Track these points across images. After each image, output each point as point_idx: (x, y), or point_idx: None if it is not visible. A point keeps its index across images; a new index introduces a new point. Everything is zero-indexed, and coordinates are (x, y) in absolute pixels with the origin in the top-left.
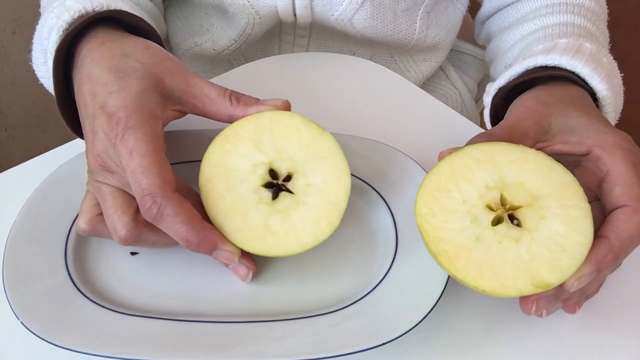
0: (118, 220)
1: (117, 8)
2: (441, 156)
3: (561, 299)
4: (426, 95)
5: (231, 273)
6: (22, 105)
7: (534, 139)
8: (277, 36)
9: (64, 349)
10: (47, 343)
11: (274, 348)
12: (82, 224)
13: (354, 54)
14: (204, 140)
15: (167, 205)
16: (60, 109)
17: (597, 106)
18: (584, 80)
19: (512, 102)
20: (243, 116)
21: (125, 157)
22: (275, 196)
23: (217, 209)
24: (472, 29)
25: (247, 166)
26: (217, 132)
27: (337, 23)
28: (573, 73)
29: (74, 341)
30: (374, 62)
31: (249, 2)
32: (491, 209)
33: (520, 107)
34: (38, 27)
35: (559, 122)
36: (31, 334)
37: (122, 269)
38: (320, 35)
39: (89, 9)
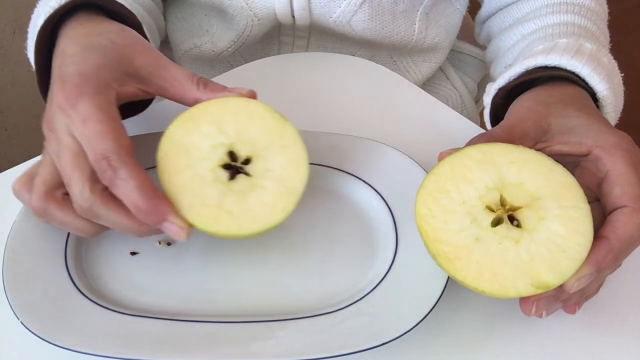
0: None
1: None
2: (441, 157)
3: (561, 299)
4: (426, 96)
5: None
6: (22, 105)
7: (534, 139)
8: (276, 37)
9: (64, 349)
10: (47, 343)
11: (274, 348)
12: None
13: (353, 55)
14: None
15: (122, 167)
16: (43, 95)
17: (597, 106)
18: (584, 81)
19: (512, 102)
20: None
21: (79, 125)
22: (232, 177)
23: (172, 184)
24: (471, 29)
25: (207, 146)
26: None
27: (335, 25)
28: (573, 73)
29: (74, 341)
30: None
31: (247, 4)
32: (491, 209)
33: (520, 108)
34: (32, 17)
35: (558, 123)
36: (31, 334)
37: (121, 269)
38: (320, 36)
39: None
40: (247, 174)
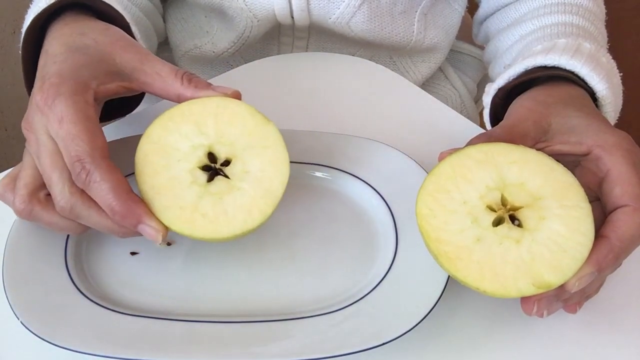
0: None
1: None
2: (441, 157)
3: (562, 299)
4: (426, 96)
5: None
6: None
7: (534, 139)
8: (276, 38)
9: (64, 349)
10: (47, 343)
11: (274, 348)
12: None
13: (353, 55)
14: None
15: (95, 170)
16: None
17: (597, 106)
18: (583, 80)
19: (511, 102)
20: (192, 97)
21: (55, 126)
22: (210, 179)
23: (149, 186)
24: (471, 29)
25: (186, 147)
26: None
27: (335, 25)
28: (572, 73)
29: (74, 341)
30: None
31: (246, 5)
32: (492, 209)
33: (520, 108)
34: (25, 17)
35: (558, 122)
36: (31, 334)
37: (122, 269)
38: (319, 37)
39: None
40: (225, 175)
